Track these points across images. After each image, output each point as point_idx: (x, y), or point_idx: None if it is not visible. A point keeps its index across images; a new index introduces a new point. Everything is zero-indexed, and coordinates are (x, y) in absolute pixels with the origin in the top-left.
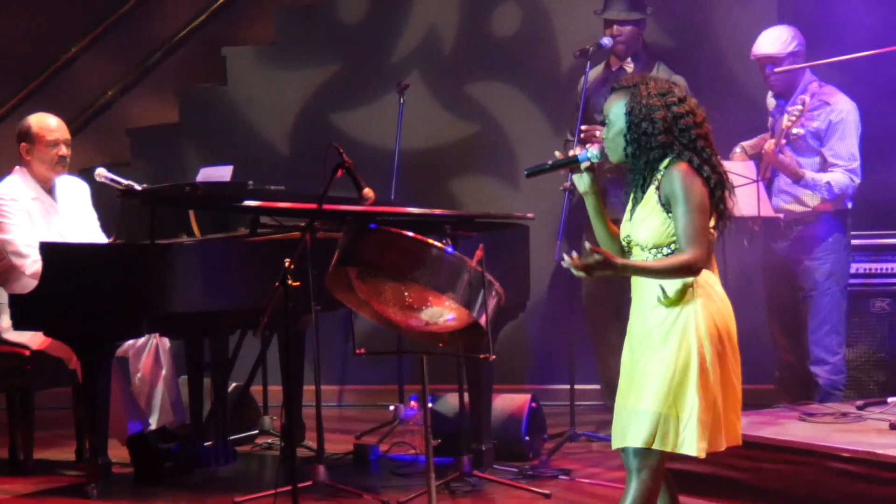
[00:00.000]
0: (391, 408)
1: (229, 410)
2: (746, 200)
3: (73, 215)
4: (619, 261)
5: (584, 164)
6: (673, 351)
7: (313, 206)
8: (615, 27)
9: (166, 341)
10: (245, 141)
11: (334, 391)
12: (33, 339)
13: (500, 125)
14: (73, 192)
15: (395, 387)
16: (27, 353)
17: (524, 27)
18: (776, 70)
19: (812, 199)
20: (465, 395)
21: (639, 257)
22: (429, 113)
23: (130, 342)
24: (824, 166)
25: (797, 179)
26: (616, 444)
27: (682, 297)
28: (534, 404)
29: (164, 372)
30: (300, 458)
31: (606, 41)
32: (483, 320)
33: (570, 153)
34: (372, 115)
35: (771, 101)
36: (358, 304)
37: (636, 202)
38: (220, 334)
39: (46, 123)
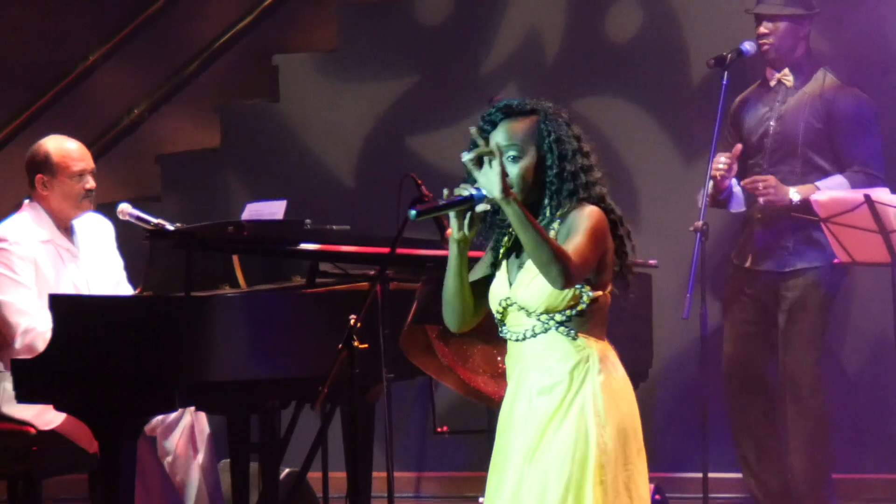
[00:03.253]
0: (480, 500)
1: (281, 502)
2: None
3: (95, 262)
4: (513, 194)
5: (480, 206)
6: (569, 443)
7: (385, 250)
8: (764, 24)
9: (203, 417)
10: (301, 170)
11: (410, 479)
12: (41, 415)
13: (615, 149)
14: (96, 232)
15: (484, 473)
16: (32, 431)
17: (646, 30)
18: None
19: None
20: None
21: (522, 325)
22: None
23: (159, 418)
24: None
25: None
26: None
27: (575, 372)
28: (657, 496)
29: (200, 456)
30: None
31: (748, 46)
32: None
33: (465, 191)
34: (457, 138)
35: None
36: (439, 371)
37: (517, 265)
38: (269, 408)
39: (68, 150)
